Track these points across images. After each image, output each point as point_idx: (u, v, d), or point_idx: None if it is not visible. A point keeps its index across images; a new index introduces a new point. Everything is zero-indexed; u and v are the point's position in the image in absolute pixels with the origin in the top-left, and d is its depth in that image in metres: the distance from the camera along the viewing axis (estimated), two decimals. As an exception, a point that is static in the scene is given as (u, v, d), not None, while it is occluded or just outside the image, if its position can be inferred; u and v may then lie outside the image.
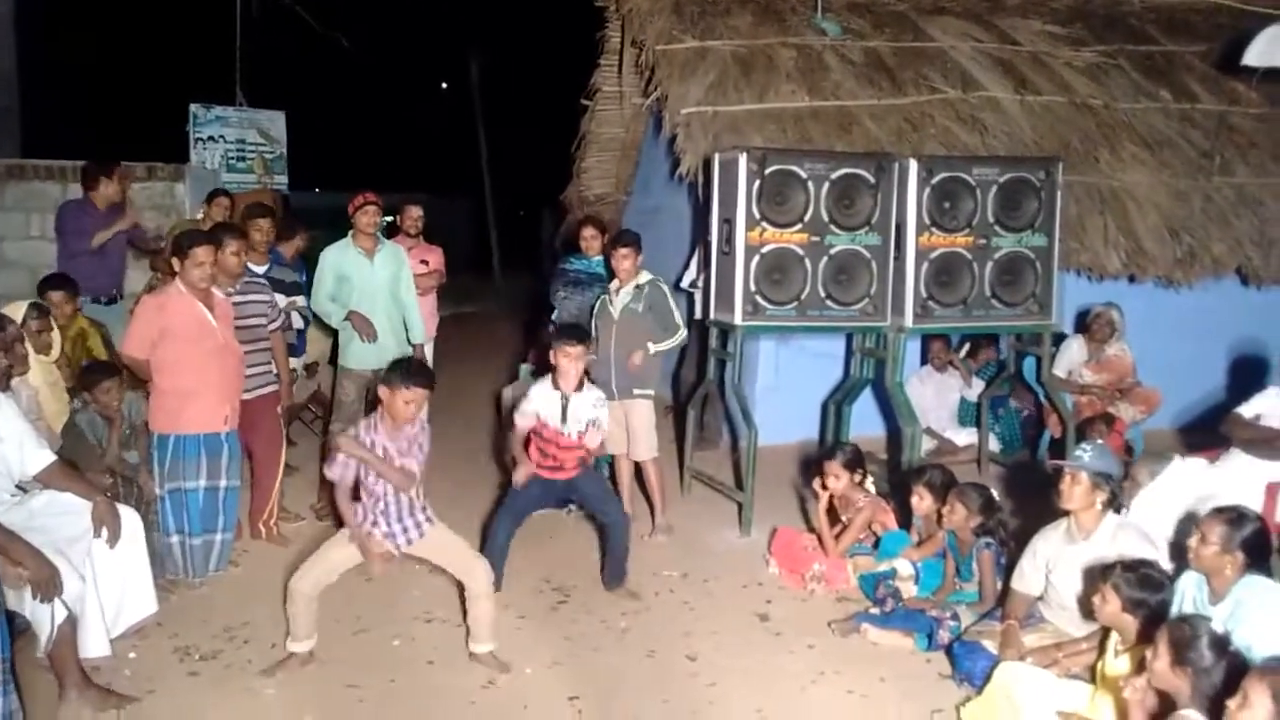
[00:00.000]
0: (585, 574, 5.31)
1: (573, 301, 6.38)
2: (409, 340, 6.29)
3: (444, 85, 25.85)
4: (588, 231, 6.59)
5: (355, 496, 4.25)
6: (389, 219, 7.57)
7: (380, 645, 4.50)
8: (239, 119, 11.68)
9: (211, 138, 11.40)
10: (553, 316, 6.58)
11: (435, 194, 18.21)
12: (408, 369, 4.18)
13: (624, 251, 5.83)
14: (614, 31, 8.74)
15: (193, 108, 11.37)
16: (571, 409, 4.92)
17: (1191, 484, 4.88)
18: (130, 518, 4.48)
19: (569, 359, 4.89)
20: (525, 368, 7.33)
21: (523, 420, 5.02)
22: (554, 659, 4.42)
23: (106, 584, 4.24)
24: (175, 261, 4.96)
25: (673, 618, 4.89)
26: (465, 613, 4.38)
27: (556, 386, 4.95)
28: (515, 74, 22.73)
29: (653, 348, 5.78)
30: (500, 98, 23.16)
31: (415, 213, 7.28)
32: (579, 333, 5.12)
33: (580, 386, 4.96)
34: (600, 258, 6.46)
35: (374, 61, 21.70)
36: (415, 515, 4.23)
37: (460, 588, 4.43)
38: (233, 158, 11.46)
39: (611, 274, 6.03)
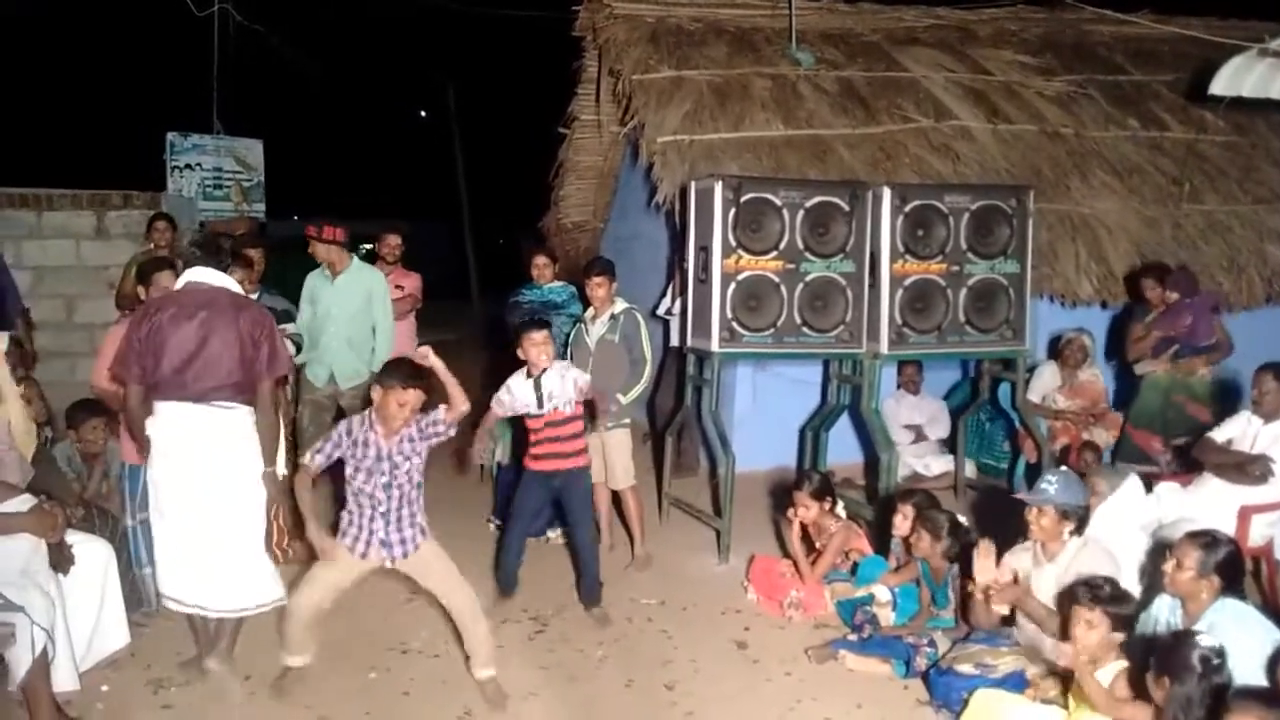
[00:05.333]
0: (562, 603, 5.30)
1: None
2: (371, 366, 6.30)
3: (423, 113, 25.90)
4: (539, 260, 6.61)
5: (341, 504, 4.25)
6: (367, 246, 7.58)
7: (355, 677, 4.46)
8: (216, 147, 11.67)
9: (189, 165, 11.37)
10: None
11: (414, 221, 18.21)
12: (402, 369, 4.14)
13: (597, 280, 5.84)
14: (591, 61, 8.82)
15: (170, 136, 11.35)
16: (544, 386, 4.99)
17: (1163, 507, 4.94)
18: (102, 549, 4.45)
19: (534, 345, 4.95)
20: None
21: (497, 407, 5.09)
22: (531, 689, 4.40)
23: (77, 616, 4.20)
24: (140, 290, 4.95)
25: (651, 646, 4.89)
26: (445, 642, 4.36)
27: (529, 375, 5.03)
28: (494, 102, 22.82)
29: (622, 399, 5.73)
30: (479, 125, 23.25)
31: (394, 241, 7.33)
32: (539, 321, 5.17)
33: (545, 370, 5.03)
34: (552, 285, 6.49)
35: (352, 89, 21.77)
36: (414, 526, 4.17)
37: (446, 616, 4.38)
38: (210, 185, 11.44)
39: (582, 301, 6.06)
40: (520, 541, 5.22)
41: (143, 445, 4.29)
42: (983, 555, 4.22)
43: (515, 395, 5.05)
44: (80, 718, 3.97)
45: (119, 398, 4.87)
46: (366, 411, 4.19)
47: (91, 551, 4.36)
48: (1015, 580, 4.23)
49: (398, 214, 19.04)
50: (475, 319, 18.32)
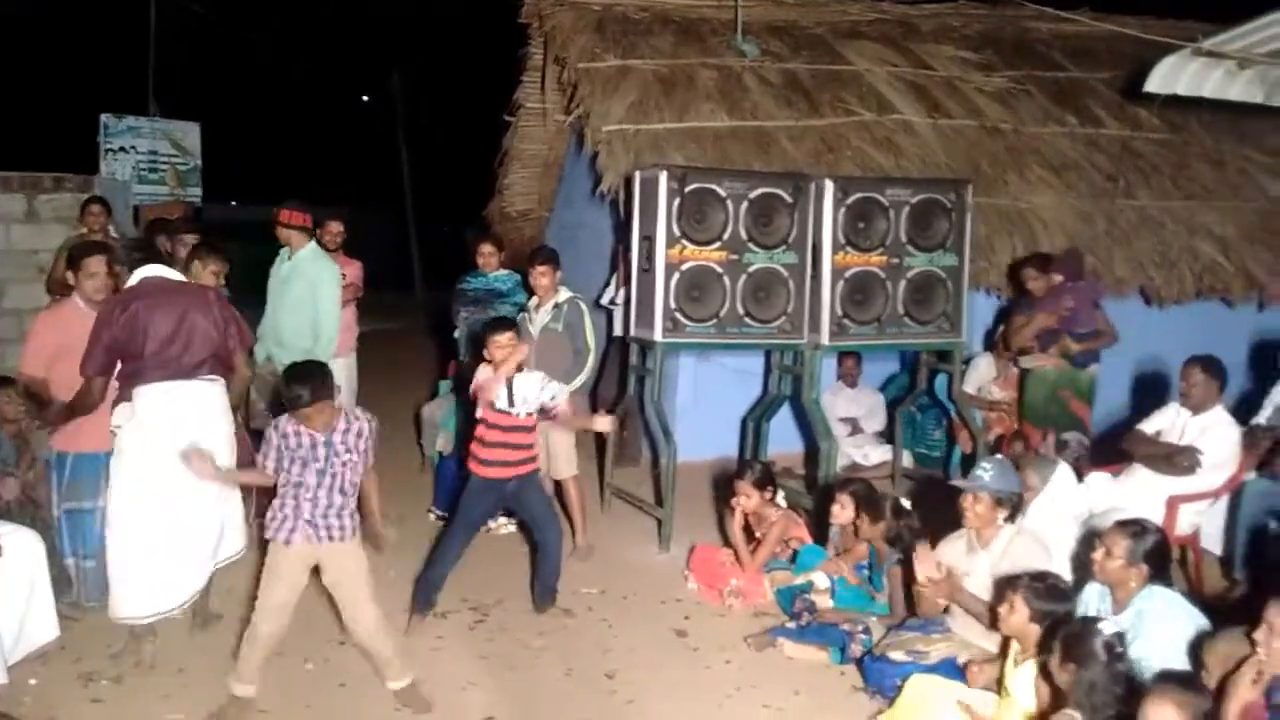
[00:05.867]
0: (502, 592, 5.28)
1: (475, 319, 6.35)
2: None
3: (365, 98, 25.58)
4: (485, 248, 6.57)
5: (270, 494, 4.11)
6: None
7: (292, 669, 4.40)
8: (151, 130, 11.47)
9: (123, 148, 11.15)
10: (455, 335, 6.53)
11: (356, 208, 18.02)
12: (300, 389, 3.90)
13: (540, 269, 5.81)
14: (537, 49, 8.77)
15: (103, 118, 11.12)
16: (517, 390, 4.82)
17: (1093, 496, 5.05)
18: (31, 540, 4.35)
19: (500, 348, 4.79)
20: (445, 384, 7.29)
21: (481, 375, 4.87)
22: (470, 679, 4.39)
23: (6, 609, 4.10)
24: (69, 275, 4.85)
25: (591, 635, 4.90)
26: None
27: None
28: (439, 88, 22.63)
29: (565, 390, 5.67)
30: (424, 112, 23.04)
31: (335, 227, 7.23)
32: (505, 322, 5.04)
33: (520, 370, 4.87)
34: (498, 273, 6.46)
35: (294, 73, 21.46)
36: (343, 517, 4.03)
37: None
38: (144, 169, 11.23)
39: (528, 289, 6.04)
40: (461, 550, 4.97)
41: (54, 422, 4.58)
42: (922, 559, 4.28)
43: (485, 386, 4.87)
44: (7, 712, 3.87)
45: (48, 386, 4.77)
46: (292, 414, 3.98)
47: (21, 542, 4.27)
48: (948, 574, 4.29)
49: (340, 201, 18.82)
50: (418, 308, 18.18)
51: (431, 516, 6.39)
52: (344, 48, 21.24)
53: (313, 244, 6.27)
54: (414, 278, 22.95)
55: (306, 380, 3.91)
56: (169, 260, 5.17)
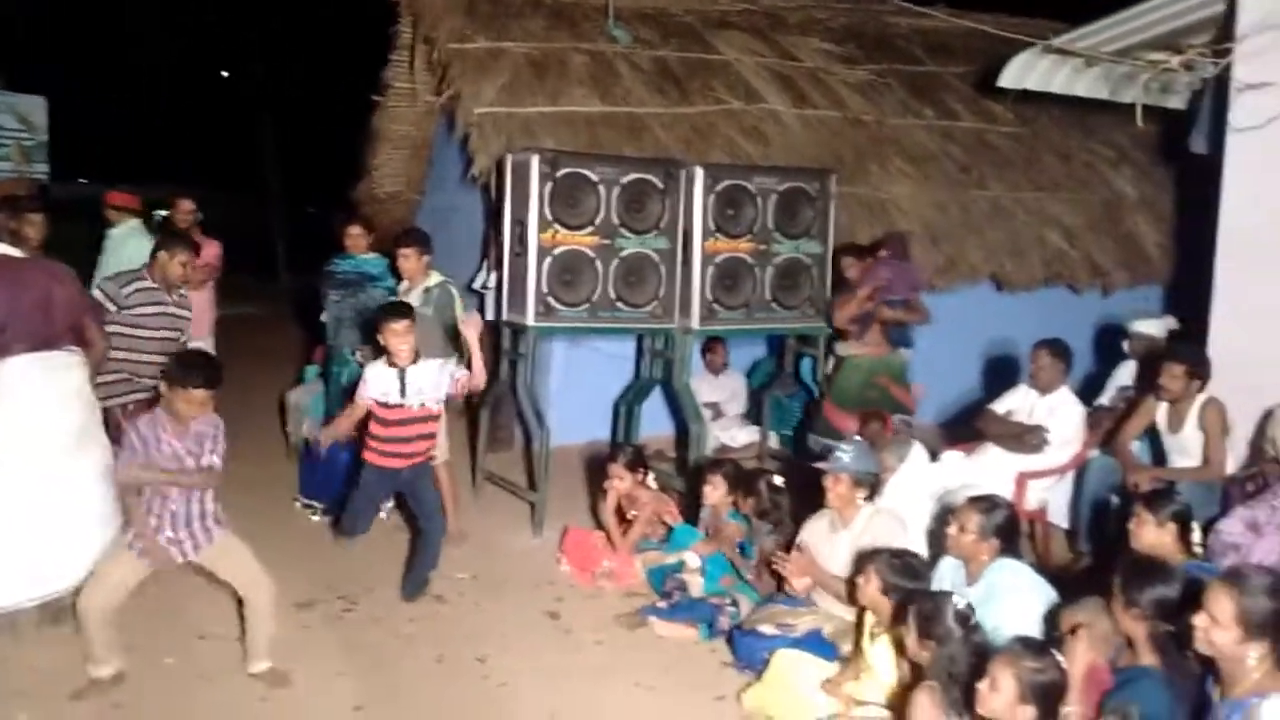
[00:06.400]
0: (373, 581, 5.20)
1: (344, 303, 6.23)
2: None
3: (225, 74, 24.61)
4: (353, 230, 6.44)
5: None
6: (163, 213, 7.24)
7: (151, 663, 4.26)
8: (-6, 102, 10.85)
9: (-38, 122, 10.53)
10: (322, 318, 6.40)
11: (216, 189, 17.40)
12: (188, 364, 4.03)
13: (405, 252, 5.73)
14: (406, 27, 8.59)
15: (-60, 90, 10.47)
16: (410, 380, 4.78)
17: (947, 474, 5.27)
18: None
19: (396, 335, 4.72)
20: (311, 369, 7.13)
21: (360, 402, 4.84)
22: (338, 669, 4.33)
23: None
24: None
25: (463, 621, 4.88)
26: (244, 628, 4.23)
27: (391, 365, 4.79)
28: (305, 66, 21.94)
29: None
30: (289, 90, 22.31)
31: (186, 206, 7.06)
32: (401, 307, 4.97)
33: (415, 360, 4.81)
34: (368, 256, 6.35)
35: (150, 46, 20.54)
36: (205, 520, 4.06)
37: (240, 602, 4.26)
38: (-14, 144, 10.63)
39: (394, 273, 5.95)
40: (367, 526, 5.17)
41: None
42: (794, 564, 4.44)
43: (372, 384, 4.79)
44: None
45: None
46: (156, 410, 4.07)
47: None
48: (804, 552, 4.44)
49: (199, 180, 18.16)
50: (282, 292, 17.64)
51: (298, 505, 6.24)
52: (203, 20, 20.37)
53: (132, 223, 6.27)
54: (278, 261, 22.24)
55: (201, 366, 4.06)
56: (13, 239, 4.96)
